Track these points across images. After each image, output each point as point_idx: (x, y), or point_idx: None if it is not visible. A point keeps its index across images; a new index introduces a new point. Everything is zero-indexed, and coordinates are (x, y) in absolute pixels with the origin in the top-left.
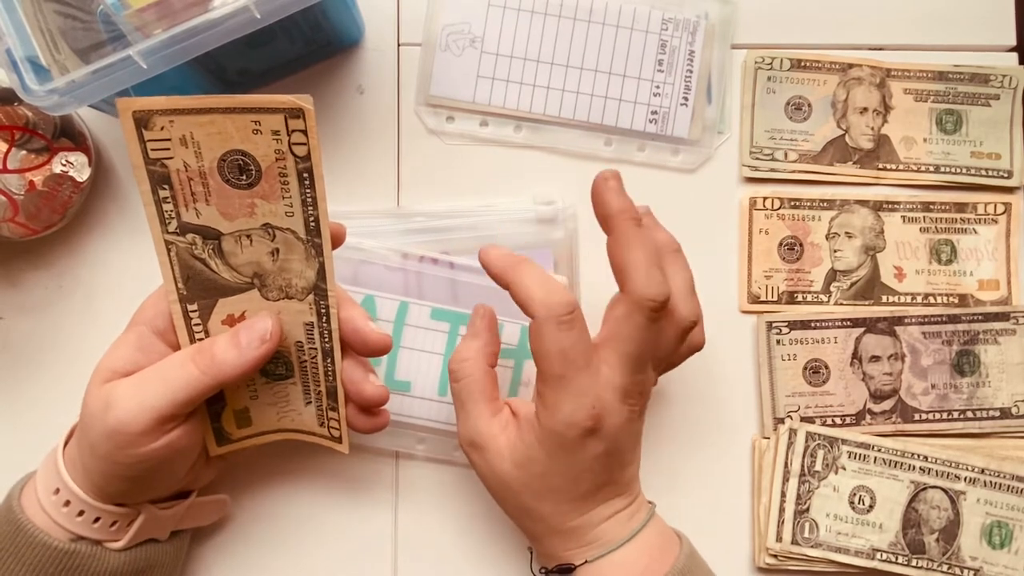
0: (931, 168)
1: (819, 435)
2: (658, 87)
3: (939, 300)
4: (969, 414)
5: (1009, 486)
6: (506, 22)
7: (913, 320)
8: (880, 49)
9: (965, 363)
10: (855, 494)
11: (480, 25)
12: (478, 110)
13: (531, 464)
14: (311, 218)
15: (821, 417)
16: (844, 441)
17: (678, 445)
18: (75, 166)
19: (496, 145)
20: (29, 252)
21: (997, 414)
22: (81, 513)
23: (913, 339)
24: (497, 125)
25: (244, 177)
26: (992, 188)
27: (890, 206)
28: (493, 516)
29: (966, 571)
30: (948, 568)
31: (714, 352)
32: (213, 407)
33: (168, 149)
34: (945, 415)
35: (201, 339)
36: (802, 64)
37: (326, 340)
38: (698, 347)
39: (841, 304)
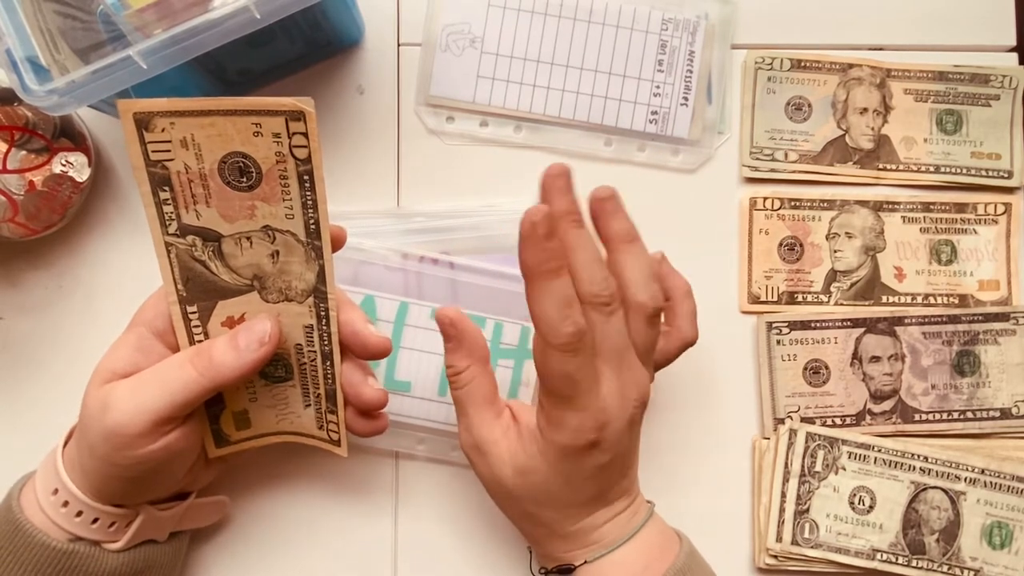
0: (931, 168)
1: (819, 435)
2: (658, 87)
3: (939, 300)
4: (969, 414)
5: (1009, 486)
6: (506, 22)
7: (913, 320)
8: (880, 49)
9: (965, 363)
10: (855, 494)
11: (480, 25)
12: (478, 110)
13: (533, 473)
14: (311, 221)
15: (821, 417)
16: (844, 441)
17: (678, 445)
18: (75, 166)
19: (496, 145)
20: (29, 252)
21: (997, 414)
22: (80, 514)
23: (913, 339)
24: (497, 125)
25: (244, 179)
26: (992, 188)
27: (890, 206)
28: (493, 516)
29: (966, 571)
30: (948, 568)
31: (714, 352)
32: (212, 409)
33: (169, 151)
34: (945, 415)
35: (200, 341)
36: (802, 64)
37: (325, 343)
38: (689, 341)
39: (841, 304)
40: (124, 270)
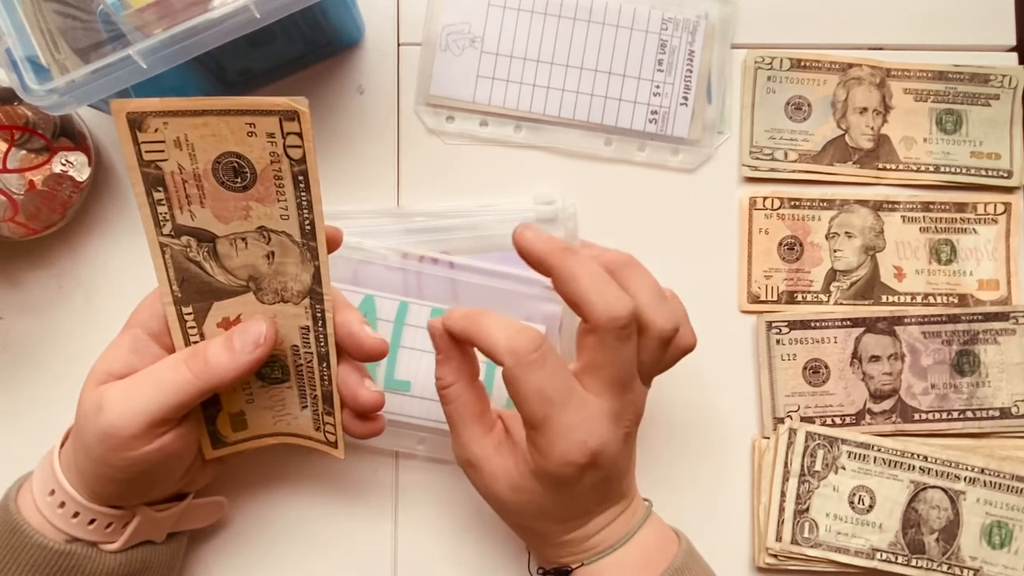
0: (931, 168)
1: (819, 435)
2: (658, 87)
3: (939, 300)
4: (969, 414)
5: (1009, 486)
6: (506, 22)
7: (913, 320)
8: (880, 49)
9: (965, 363)
10: (855, 494)
11: (480, 25)
12: (478, 110)
13: (526, 492)
14: (306, 221)
15: (821, 417)
16: (844, 441)
17: (678, 445)
18: (75, 166)
19: (496, 145)
20: (29, 252)
21: (997, 414)
22: (76, 515)
23: (913, 339)
24: (497, 125)
25: (239, 180)
26: (992, 188)
27: (890, 206)
28: (493, 516)
29: (966, 571)
30: (948, 568)
31: (714, 352)
32: (208, 410)
33: (162, 151)
34: (945, 415)
35: (196, 342)
36: (802, 64)
37: (322, 344)
38: (689, 348)
39: (841, 304)
40: (124, 270)
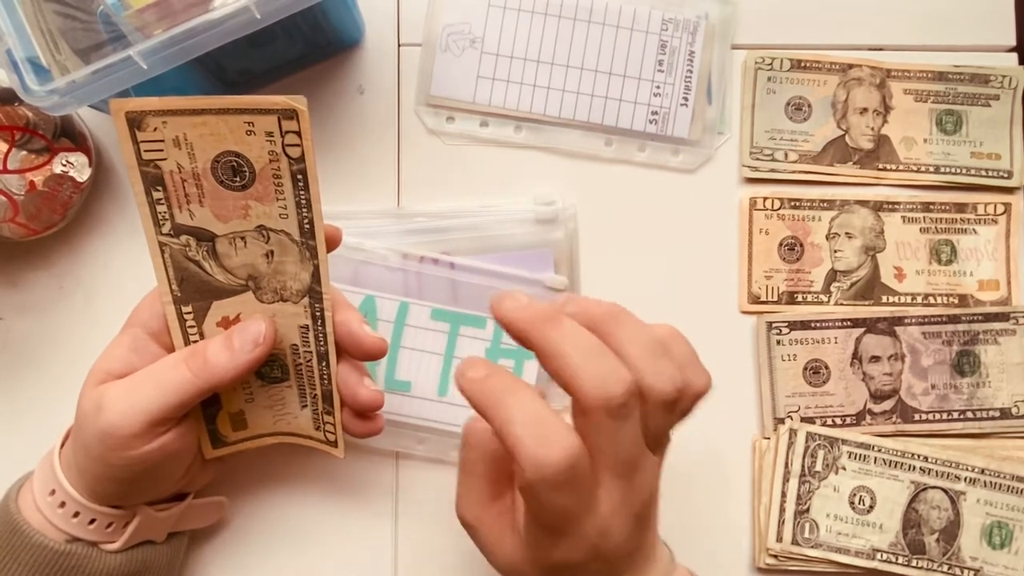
0: (931, 168)
1: (819, 435)
2: (658, 87)
3: (939, 300)
4: (969, 414)
5: (1009, 486)
6: (506, 22)
7: (913, 320)
8: (880, 49)
9: (965, 363)
10: (855, 494)
11: (480, 25)
12: (478, 110)
13: (520, 573)
14: (305, 220)
15: (821, 417)
16: (844, 441)
17: (678, 445)
18: (75, 166)
19: (496, 145)
20: (29, 252)
21: (997, 414)
22: (76, 514)
23: (913, 339)
24: (497, 125)
25: (238, 179)
26: (992, 188)
27: (890, 206)
28: None
29: (966, 571)
30: (948, 568)
31: (714, 352)
32: (208, 409)
33: (161, 150)
34: (945, 415)
35: (196, 341)
36: (802, 64)
37: (321, 343)
38: (700, 394)
39: (841, 304)
40: (124, 270)
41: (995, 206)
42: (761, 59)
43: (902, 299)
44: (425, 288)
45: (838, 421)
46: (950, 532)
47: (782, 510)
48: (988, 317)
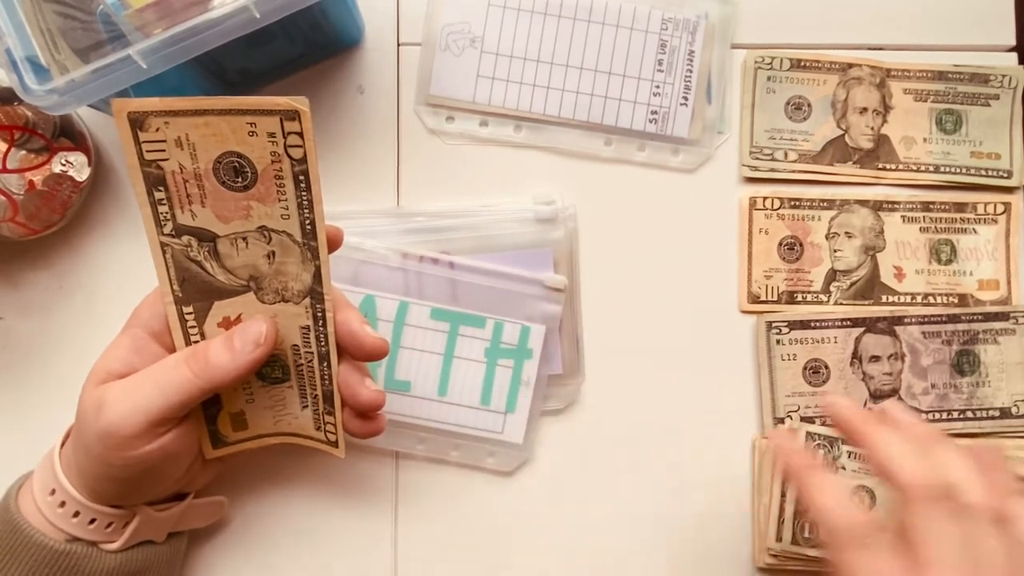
0: (931, 168)
1: (819, 435)
2: (658, 87)
3: (939, 300)
4: (969, 414)
5: None
6: (506, 22)
7: (913, 320)
8: (880, 49)
9: (965, 363)
10: (855, 494)
11: (480, 25)
12: (478, 110)
13: None
14: (307, 221)
15: (821, 417)
16: (844, 441)
17: (678, 445)
18: (75, 166)
19: (496, 145)
20: (29, 252)
21: (997, 414)
22: (76, 514)
23: (913, 339)
24: (497, 125)
25: (240, 179)
26: (992, 188)
27: (890, 206)
28: (493, 516)
29: None
30: None
31: (714, 352)
32: (209, 410)
33: (163, 151)
34: (945, 415)
35: (197, 342)
36: (802, 64)
37: (322, 344)
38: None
39: (841, 304)
40: (124, 270)
41: (995, 206)
42: (761, 59)
43: (902, 299)
44: (425, 288)
45: None
46: None
47: (782, 510)
48: (988, 317)
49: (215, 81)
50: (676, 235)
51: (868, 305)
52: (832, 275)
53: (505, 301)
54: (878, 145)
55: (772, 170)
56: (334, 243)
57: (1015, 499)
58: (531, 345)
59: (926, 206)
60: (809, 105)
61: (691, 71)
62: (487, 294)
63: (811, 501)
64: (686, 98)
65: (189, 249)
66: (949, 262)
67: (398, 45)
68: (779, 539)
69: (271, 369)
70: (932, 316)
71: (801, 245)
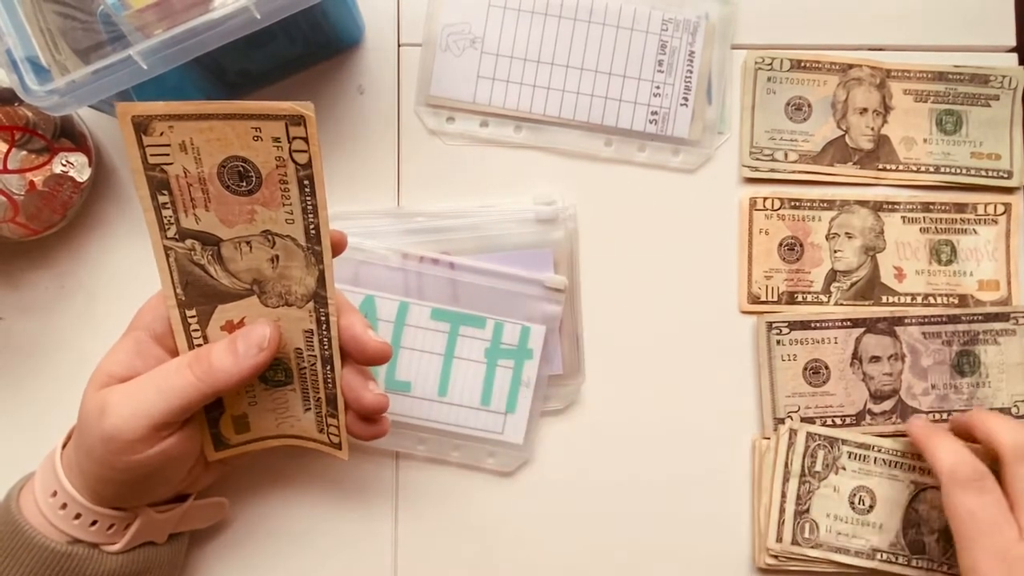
0: (931, 168)
1: (819, 435)
2: (658, 87)
3: (939, 300)
4: None
5: None
6: (506, 22)
7: (913, 320)
8: (880, 49)
9: (965, 363)
10: (855, 494)
11: (480, 25)
12: (478, 110)
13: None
14: (311, 225)
15: (821, 417)
16: (844, 441)
17: (678, 445)
18: (75, 166)
19: (496, 145)
20: (29, 252)
21: None
22: (78, 516)
23: (913, 339)
24: (497, 125)
25: (244, 184)
26: (992, 188)
27: (890, 206)
28: (493, 516)
29: None
30: (948, 568)
31: (714, 352)
32: (211, 413)
33: (167, 155)
34: (945, 415)
35: (200, 345)
36: (802, 64)
37: (325, 347)
38: None
39: (841, 304)
40: (125, 270)
41: (995, 206)
42: (761, 59)
43: (902, 299)
44: (425, 288)
45: (838, 421)
46: (950, 532)
47: (782, 510)
48: (988, 317)
49: (215, 82)
50: (676, 235)
51: (868, 305)
52: (832, 275)
53: (505, 301)
54: (878, 146)
55: (772, 170)
56: (338, 247)
57: None
58: (531, 345)
59: (926, 207)
60: (809, 106)
61: (691, 71)
62: (487, 294)
63: (933, 453)
64: (686, 98)
65: (193, 253)
66: (949, 263)
67: (398, 45)
68: (779, 539)
69: (274, 372)
70: (932, 317)
71: (801, 246)
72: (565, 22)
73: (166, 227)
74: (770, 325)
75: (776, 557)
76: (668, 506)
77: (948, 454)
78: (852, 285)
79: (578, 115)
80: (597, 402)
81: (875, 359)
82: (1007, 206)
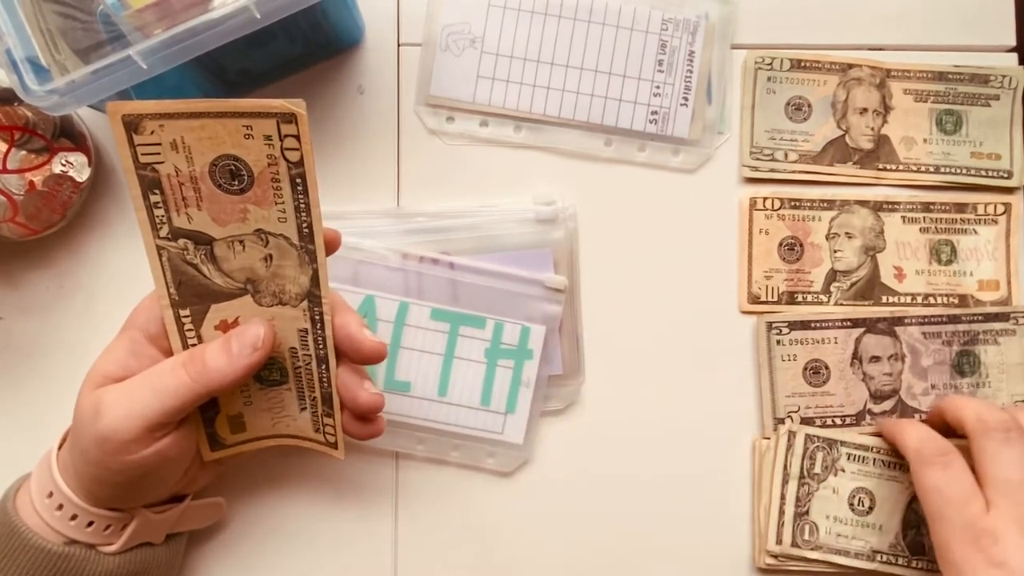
0: (931, 168)
1: (818, 437)
2: (658, 87)
3: (939, 300)
4: None
5: None
6: (506, 22)
7: (913, 320)
8: (880, 49)
9: (965, 363)
10: (854, 496)
11: (480, 25)
12: (478, 110)
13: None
14: (304, 224)
15: (821, 417)
16: (843, 443)
17: (678, 445)
18: (75, 166)
19: (496, 145)
20: (29, 252)
21: None
22: (74, 517)
23: (913, 339)
24: (497, 125)
25: (236, 182)
26: (992, 188)
27: (890, 206)
28: (493, 516)
29: None
30: None
31: (714, 352)
32: (207, 412)
33: (159, 153)
34: None
35: (194, 345)
36: (802, 64)
37: (320, 347)
38: None
39: (841, 304)
40: (124, 270)
41: (995, 206)
42: (761, 59)
43: (902, 299)
44: (425, 288)
45: (838, 421)
46: None
47: (781, 512)
48: (988, 317)
49: (215, 81)
50: (676, 235)
51: (868, 305)
52: (832, 275)
53: (505, 301)
54: (878, 145)
55: (772, 170)
56: (332, 246)
57: None
58: (531, 345)
59: (926, 206)
60: (809, 105)
61: (691, 71)
62: (487, 294)
63: (900, 436)
64: (686, 98)
65: (185, 252)
66: (949, 262)
67: (398, 45)
68: (779, 542)
69: (269, 372)
70: (932, 317)
71: (801, 245)
72: (565, 22)
73: (158, 226)
74: (770, 325)
75: (776, 558)
76: (668, 506)
77: (913, 435)
78: (852, 285)
79: (578, 115)
80: (597, 402)
81: (875, 359)
82: (1007, 206)
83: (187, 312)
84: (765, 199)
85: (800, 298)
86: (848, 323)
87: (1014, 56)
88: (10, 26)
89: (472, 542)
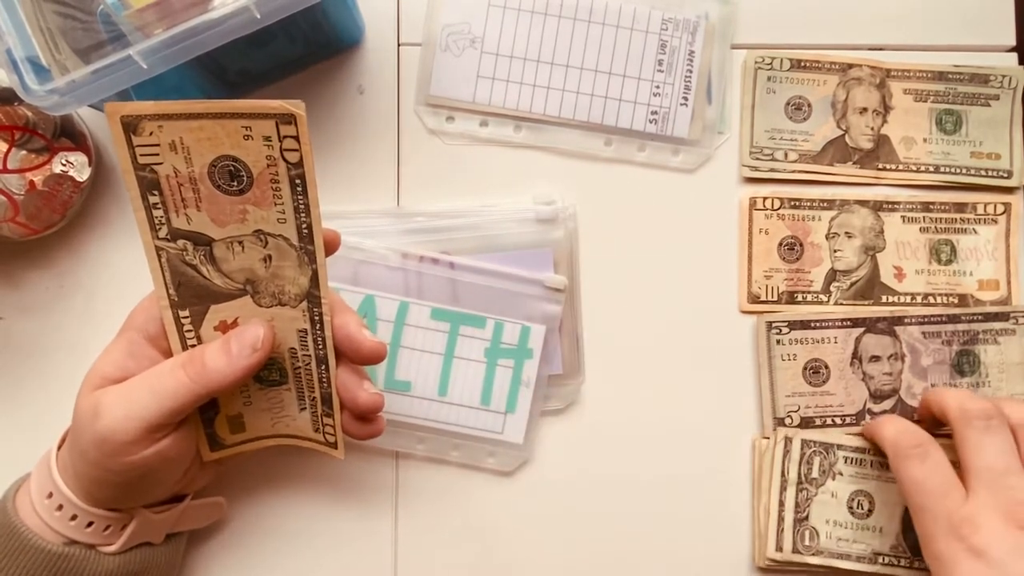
0: (931, 168)
1: (815, 442)
2: (658, 87)
3: (939, 300)
4: None
5: None
6: (506, 22)
7: (913, 320)
8: (880, 49)
9: (965, 363)
10: (853, 499)
11: (480, 25)
12: (478, 110)
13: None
14: (304, 225)
15: (821, 417)
16: (840, 446)
17: (678, 445)
18: (75, 166)
19: (496, 145)
20: (29, 252)
21: None
22: (74, 517)
23: (913, 339)
24: (497, 125)
25: (235, 183)
26: (992, 188)
27: (890, 206)
28: (492, 516)
29: None
30: None
31: (714, 352)
32: (206, 413)
33: (157, 154)
34: None
35: (193, 345)
36: (802, 64)
37: (320, 347)
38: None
39: (841, 304)
40: (125, 270)
41: (995, 206)
42: (761, 59)
43: (902, 299)
44: (425, 288)
45: (838, 421)
46: None
47: (780, 519)
48: (988, 317)
49: (215, 81)
50: (676, 235)
51: (868, 305)
52: (832, 275)
53: (505, 301)
54: (878, 145)
55: (772, 170)
56: (331, 247)
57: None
58: (531, 345)
59: (926, 206)
60: (809, 105)
61: (691, 71)
62: (487, 294)
63: (878, 432)
64: (686, 98)
65: (184, 253)
66: (949, 262)
67: (398, 45)
68: (779, 549)
69: (268, 372)
70: (932, 316)
71: (801, 245)
72: (565, 22)
73: (157, 227)
74: (770, 325)
75: (776, 561)
76: (668, 506)
77: (890, 429)
78: (852, 285)
79: (578, 115)
80: (597, 402)
81: (875, 359)
82: (1007, 206)
83: (186, 313)
84: (765, 199)
85: (800, 298)
86: (848, 323)
87: (1014, 56)
88: (10, 26)
89: (472, 542)
